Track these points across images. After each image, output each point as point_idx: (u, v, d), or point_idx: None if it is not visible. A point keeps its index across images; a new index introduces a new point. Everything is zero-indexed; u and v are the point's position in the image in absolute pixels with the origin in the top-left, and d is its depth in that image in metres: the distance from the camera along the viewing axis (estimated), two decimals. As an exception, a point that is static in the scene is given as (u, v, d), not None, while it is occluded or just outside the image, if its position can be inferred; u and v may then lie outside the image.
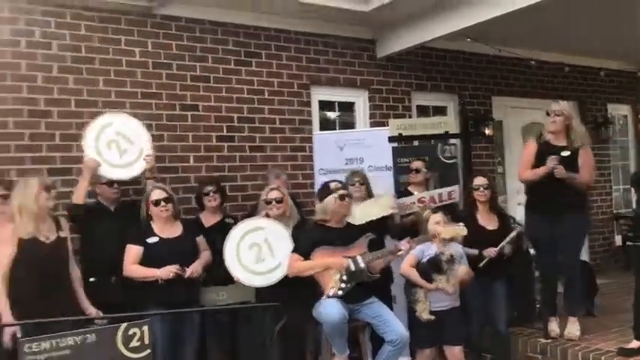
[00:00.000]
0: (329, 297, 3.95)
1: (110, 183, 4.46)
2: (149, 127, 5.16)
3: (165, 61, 5.33)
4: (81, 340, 3.08)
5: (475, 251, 4.43)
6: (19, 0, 4.71)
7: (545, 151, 4.66)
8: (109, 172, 4.37)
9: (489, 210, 4.64)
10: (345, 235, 4.15)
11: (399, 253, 4.16)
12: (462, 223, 4.29)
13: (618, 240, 8.34)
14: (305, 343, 4.71)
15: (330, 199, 4.13)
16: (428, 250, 4.25)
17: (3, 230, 3.60)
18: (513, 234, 4.51)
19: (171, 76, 5.35)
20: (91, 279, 4.13)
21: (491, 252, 4.41)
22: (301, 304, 4.24)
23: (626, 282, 5.14)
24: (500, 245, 4.43)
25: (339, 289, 3.99)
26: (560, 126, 4.66)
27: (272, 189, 4.53)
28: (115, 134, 4.41)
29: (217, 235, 4.49)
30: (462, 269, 4.22)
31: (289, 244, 4.24)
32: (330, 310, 3.87)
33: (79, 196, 4.23)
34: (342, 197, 4.14)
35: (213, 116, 5.56)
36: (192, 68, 5.46)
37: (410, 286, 4.34)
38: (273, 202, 4.43)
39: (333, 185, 4.22)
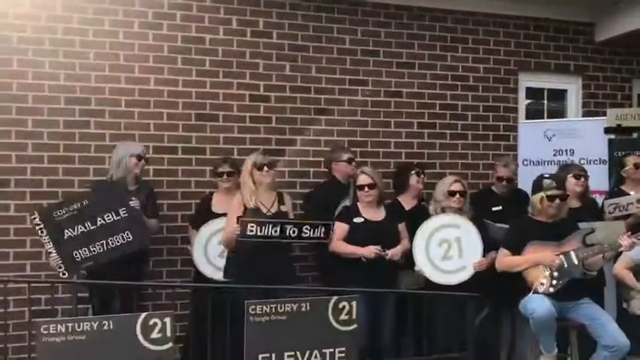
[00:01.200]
0: (538, 293, 3.80)
1: (350, 160, 4.78)
2: (354, 113, 5.41)
3: (373, 48, 5.46)
4: (296, 308, 3.31)
5: None
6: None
7: None
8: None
9: None
10: (557, 230, 3.96)
11: (620, 248, 3.89)
12: None
13: None
14: (501, 335, 4.61)
15: (536, 198, 4.00)
16: None
17: (233, 200, 4.03)
18: None
19: (378, 63, 5.47)
20: None
21: None
22: (500, 296, 4.16)
23: None
24: None
25: (551, 285, 3.82)
26: None
27: (456, 180, 4.40)
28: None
29: (417, 218, 4.50)
30: None
31: (479, 249, 4.17)
32: (537, 305, 3.72)
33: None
34: (550, 198, 3.93)
35: (415, 103, 5.58)
36: (398, 55, 5.52)
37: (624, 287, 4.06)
38: (457, 196, 4.31)
39: (546, 183, 4.02)
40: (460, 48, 5.68)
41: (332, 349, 3.36)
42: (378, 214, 4.33)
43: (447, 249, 4.27)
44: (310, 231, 3.98)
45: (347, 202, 4.44)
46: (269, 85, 5.19)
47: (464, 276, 4.20)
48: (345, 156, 4.84)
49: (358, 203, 4.33)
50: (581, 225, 4.08)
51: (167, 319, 3.13)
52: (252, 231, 3.78)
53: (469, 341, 4.05)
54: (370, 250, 4.10)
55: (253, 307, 3.23)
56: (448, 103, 5.66)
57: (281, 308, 3.27)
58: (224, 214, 4.21)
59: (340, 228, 4.25)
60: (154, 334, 3.10)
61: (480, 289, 4.06)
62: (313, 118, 5.29)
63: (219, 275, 4.19)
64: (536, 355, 3.95)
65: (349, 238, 4.23)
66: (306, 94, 5.27)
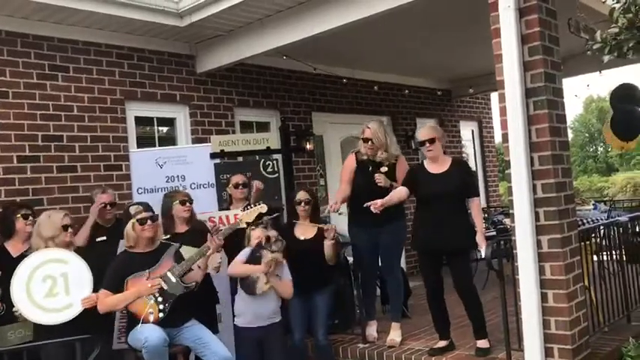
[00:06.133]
0: (148, 322, 3.80)
1: None
2: None
3: (-49, 73, 4.78)
4: None
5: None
6: None
7: (365, 166, 4.90)
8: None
9: (309, 222, 4.77)
10: (152, 257, 4.03)
11: (209, 252, 4.12)
12: (261, 201, 4.56)
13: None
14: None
15: (129, 226, 4.02)
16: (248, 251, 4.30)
17: None
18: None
19: (-41, 90, 4.81)
20: None
21: None
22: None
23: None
24: None
25: (160, 311, 3.86)
26: (374, 148, 4.87)
27: (66, 214, 4.15)
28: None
29: None
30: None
31: (89, 286, 3.96)
32: (149, 334, 3.71)
33: None
34: (141, 222, 4.00)
35: (13, 135, 5.08)
36: (-14, 83, 4.95)
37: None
38: (70, 229, 4.08)
39: (133, 209, 4.09)
40: (60, 77, 5.39)
41: None
42: None
43: (52, 285, 3.93)
44: None
45: None
46: None
47: (71, 314, 3.91)
48: None
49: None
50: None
51: None
52: None
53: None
54: None
55: None
56: (52, 135, 5.30)
57: None
58: None
59: None
60: None
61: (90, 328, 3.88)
62: None
63: None
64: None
65: None
66: None
